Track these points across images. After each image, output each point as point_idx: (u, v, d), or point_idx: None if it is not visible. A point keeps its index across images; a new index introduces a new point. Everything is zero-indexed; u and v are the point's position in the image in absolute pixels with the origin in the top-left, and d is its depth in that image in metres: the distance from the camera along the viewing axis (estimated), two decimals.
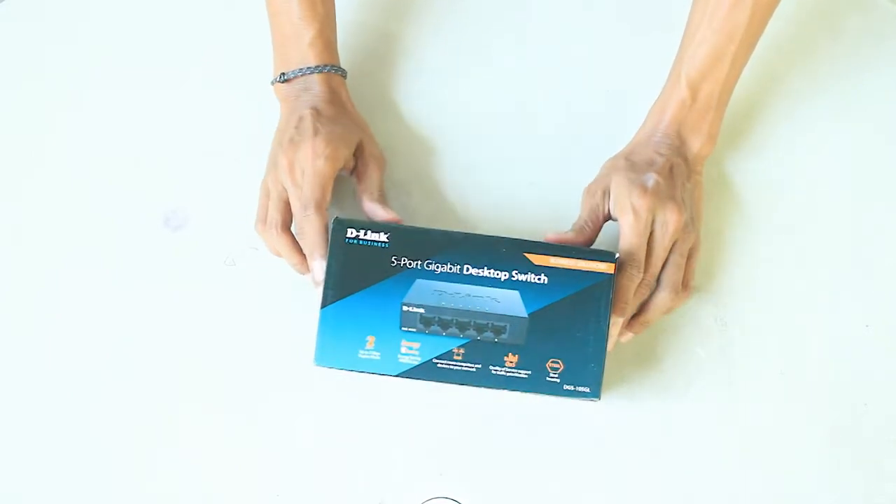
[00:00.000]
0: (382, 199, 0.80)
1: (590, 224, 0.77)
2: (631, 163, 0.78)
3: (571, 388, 0.72)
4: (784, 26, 0.89)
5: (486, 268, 0.73)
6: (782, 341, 0.79)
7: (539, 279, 0.73)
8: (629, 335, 0.78)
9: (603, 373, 0.72)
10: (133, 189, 0.85)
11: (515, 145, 0.86)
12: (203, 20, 0.90)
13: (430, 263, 0.73)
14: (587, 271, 0.73)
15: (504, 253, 0.73)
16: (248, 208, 0.81)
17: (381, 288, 0.73)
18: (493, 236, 0.74)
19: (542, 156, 0.85)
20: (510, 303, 0.72)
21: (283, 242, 0.77)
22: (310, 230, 0.75)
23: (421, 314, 0.73)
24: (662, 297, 0.76)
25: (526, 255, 0.73)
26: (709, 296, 0.81)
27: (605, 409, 0.78)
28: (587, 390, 0.72)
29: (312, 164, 0.76)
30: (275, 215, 0.77)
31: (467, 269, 0.73)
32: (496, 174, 0.85)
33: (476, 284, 0.73)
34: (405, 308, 0.73)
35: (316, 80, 0.82)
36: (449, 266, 0.73)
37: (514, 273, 0.73)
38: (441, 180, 0.85)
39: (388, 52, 0.89)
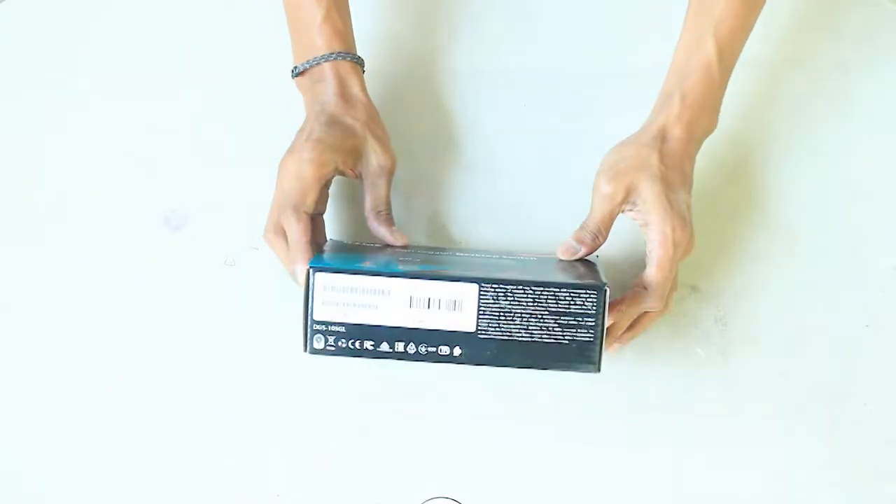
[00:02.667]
0: (389, 218, 0.78)
1: (603, 231, 0.74)
2: (664, 172, 0.72)
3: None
4: (783, 25, 0.89)
5: None
6: (782, 342, 0.79)
7: None
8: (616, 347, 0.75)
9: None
10: (133, 189, 0.85)
11: (520, 147, 0.86)
12: (202, 20, 0.90)
13: None
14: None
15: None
16: (248, 208, 0.81)
17: (374, 255, 0.73)
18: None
19: (548, 157, 0.84)
20: None
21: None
22: (289, 233, 0.74)
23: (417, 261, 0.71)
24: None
25: None
26: (709, 296, 0.81)
27: (605, 410, 0.78)
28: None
29: (297, 168, 0.74)
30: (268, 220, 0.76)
31: None
32: (502, 176, 0.84)
33: None
34: (399, 260, 0.71)
35: (326, 70, 0.78)
36: None
37: None
38: (446, 182, 0.85)
39: (396, 53, 0.89)
